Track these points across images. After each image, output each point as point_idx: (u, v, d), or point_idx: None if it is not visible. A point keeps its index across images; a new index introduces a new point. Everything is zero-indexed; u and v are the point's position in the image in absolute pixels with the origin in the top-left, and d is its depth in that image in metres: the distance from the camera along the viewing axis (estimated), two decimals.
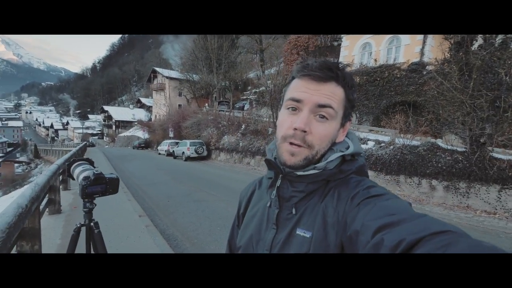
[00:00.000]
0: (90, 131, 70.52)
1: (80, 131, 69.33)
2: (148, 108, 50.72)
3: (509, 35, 5.76)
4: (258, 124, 14.14)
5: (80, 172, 1.33)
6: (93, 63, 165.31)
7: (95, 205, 1.35)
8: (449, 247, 0.30)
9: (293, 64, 17.31)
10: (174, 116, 24.33)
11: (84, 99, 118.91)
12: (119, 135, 47.88)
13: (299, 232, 0.54)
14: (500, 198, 5.35)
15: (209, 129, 17.74)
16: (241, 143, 14.26)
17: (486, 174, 5.51)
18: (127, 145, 38.69)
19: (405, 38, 11.88)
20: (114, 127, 58.32)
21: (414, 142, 7.27)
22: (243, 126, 15.24)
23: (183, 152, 16.27)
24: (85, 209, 1.34)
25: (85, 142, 33.60)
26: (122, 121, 56.48)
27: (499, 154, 5.91)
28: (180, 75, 31.10)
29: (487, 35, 5.89)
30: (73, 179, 1.39)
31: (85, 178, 1.25)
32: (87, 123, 79.57)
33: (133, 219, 4.28)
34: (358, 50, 13.45)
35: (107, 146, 47.42)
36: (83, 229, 1.39)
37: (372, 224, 0.41)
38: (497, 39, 6.05)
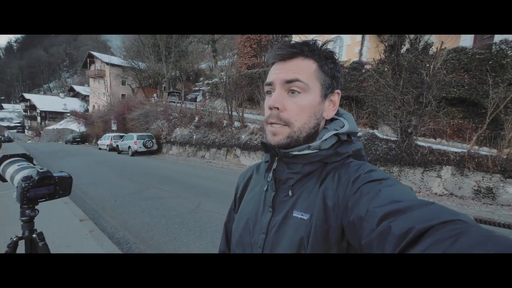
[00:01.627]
0: (5, 124, 59.16)
1: None
2: (84, 98, 45.02)
3: (430, 41, 6.81)
4: (212, 116, 13.84)
5: (15, 171, 1.09)
6: (8, 42, 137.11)
7: (38, 212, 1.10)
8: (459, 236, 0.29)
9: (247, 56, 17.40)
10: (117, 107, 22.35)
11: None
12: (46, 128, 41.62)
13: (296, 214, 0.53)
14: (423, 179, 6.41)
15: (158, 121, 16.72)
16: (194, 136, 13.80)
17: (412, 159, 6.51)
18: (58, 140, 34.02)
19: (346, 39, 13.01)
20: (39, 118, 50.21)
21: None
22: (197, 118, 14.76)
23: (130, 147, 15.04)
24: (23, 218, 1.06)
25: None
26: (50, 112, 49.14)
27: (422, 142, 7.03)
28: (124, 61, 28.24)
29: (414, 40, 6.85)
30: (4, 180, 1.14)
31: (26, 178, 1.02)
32: (1, 114, 66.24)
33: (72, 225, 3.74)
34: None
35: (30, 141, 40.83)
36: (21, 243, 1.12)
37: (377, 211, 0.40)
38: (420, 44, 7.10)
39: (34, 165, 1.17)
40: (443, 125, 7.40)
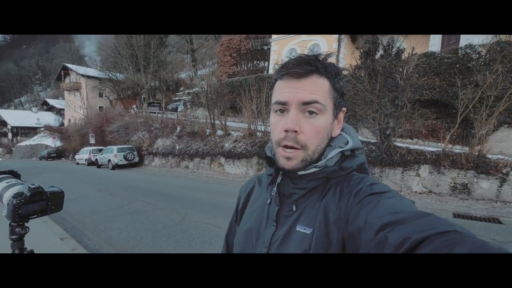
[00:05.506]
0: None
1: None
2: (59, 111, 43.17)
3: (401, 47, 7.16)
4: (195, 125, 13.69)
5: (4, 188, 1.04)
6: None
7: (28, 229, 1.04)
8: (454, 247, 0.30)
9: (227, 65, 17.47)
10: (94, 120, 21.74)
11: None
12: (19, 144, 39.40)
13: (299, 228, 0.53)
14: (403, 179, 6.61)
15: (139, 132, 16.37)
16: (177, 146, 13.55)
17: (392, 160, 6.72)
18: (31, 156, 32.34)
19: (323, 46, 13.44)
20: (10, 135, 47.41)
21: None
22: (179, 128, 14.55)
23: (110, 160, 14.58)
24: (13, 237, 1.00)
25: None
26: (22, 128, 46.68)
27: (400, 143, 7.29)
28: (101, 73, 27.48)
29: (387, 46, 7.18)
30: None
31: (17, 195, 0.97)
32: None
33: (53, 244, 3.56)
34: (286, 54, 14.50)
35: (0, 159, 38.27)
36: None
37: (375, 222, 0.40)
38: (393, 50, 7.44)
39: (23, 181, 1.12)
40: (419, 126, 7.73)
